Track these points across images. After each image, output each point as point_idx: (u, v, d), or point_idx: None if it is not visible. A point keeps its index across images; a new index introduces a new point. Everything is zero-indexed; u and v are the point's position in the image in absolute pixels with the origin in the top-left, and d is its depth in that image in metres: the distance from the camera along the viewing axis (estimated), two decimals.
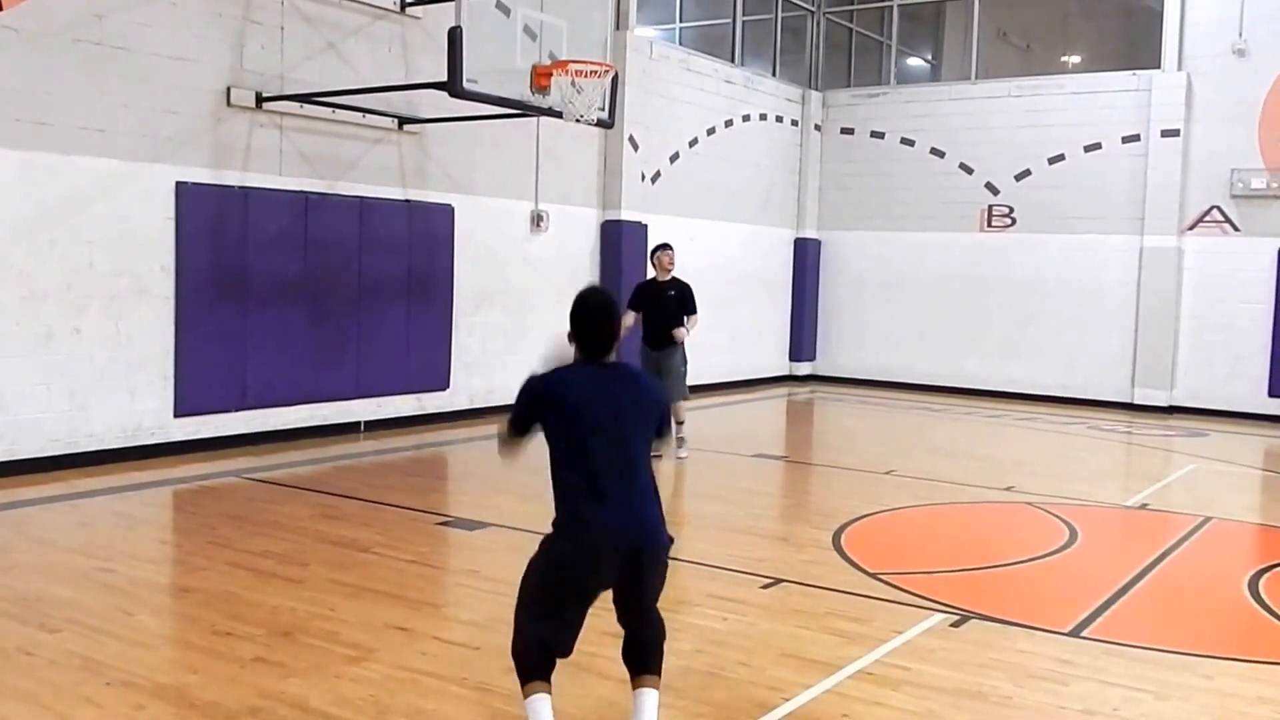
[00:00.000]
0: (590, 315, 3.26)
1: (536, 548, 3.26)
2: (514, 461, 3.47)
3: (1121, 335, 13.00)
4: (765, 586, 5.08)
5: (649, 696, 3.22)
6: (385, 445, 8.84)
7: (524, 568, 3.31)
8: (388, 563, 5.30)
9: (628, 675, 3.29)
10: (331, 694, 3.64)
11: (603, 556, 3.11)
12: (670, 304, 8.36)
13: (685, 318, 8.40)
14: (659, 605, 3.35)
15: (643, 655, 3.28)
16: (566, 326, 3.31)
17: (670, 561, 3.35)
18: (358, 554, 5.43)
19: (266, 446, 8.32)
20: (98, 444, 7.41)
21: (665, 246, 8.63)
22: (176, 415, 7.86)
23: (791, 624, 4.54)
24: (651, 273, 8.72)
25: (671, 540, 3.30)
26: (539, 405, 3.23)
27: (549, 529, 3.21)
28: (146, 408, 7.69)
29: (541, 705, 3.12)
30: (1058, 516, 6.78)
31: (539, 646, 3.19)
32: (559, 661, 3.23)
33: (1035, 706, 3.76)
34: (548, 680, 3.19)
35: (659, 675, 3.28)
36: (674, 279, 8.49)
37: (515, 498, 6.90)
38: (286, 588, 4.80)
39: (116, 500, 6.58)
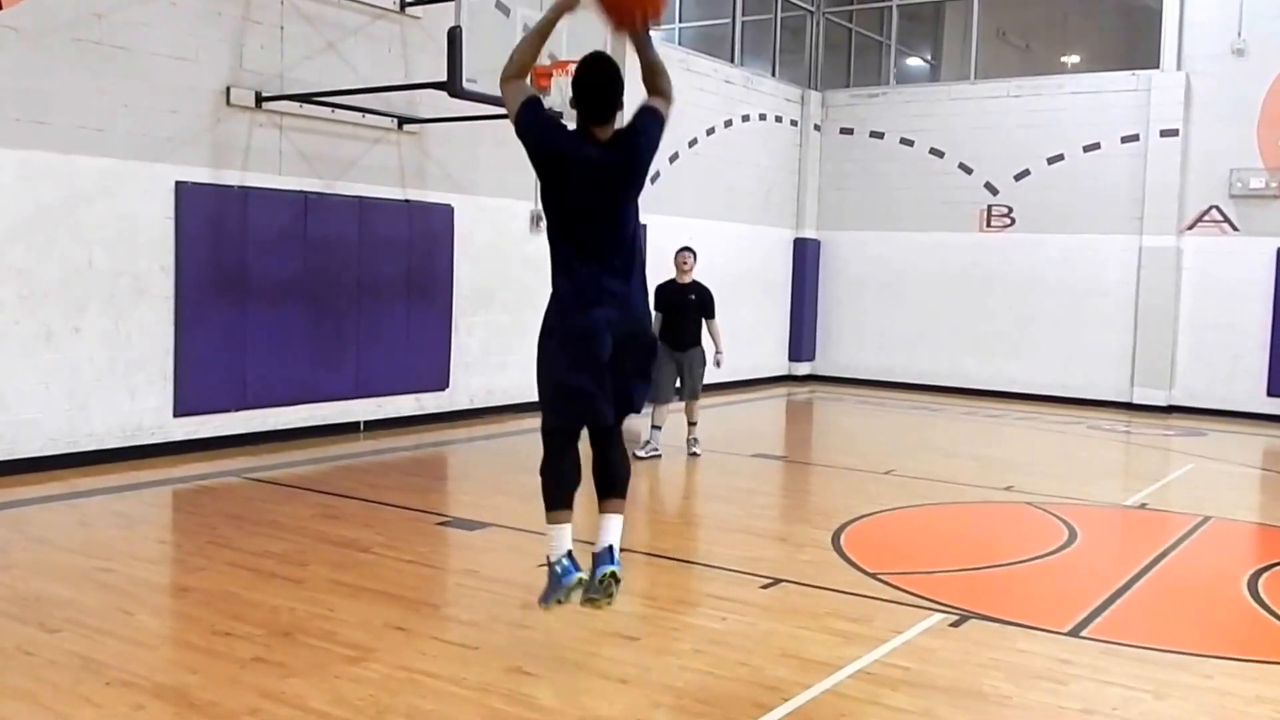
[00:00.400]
0: (591, 78, 3.49)
1: (540, 333, 3.62)
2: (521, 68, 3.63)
3: (1121, 335, 13.01)
4: (765, 586, 5.08)
5: (615, 520, 3.63)
6: (385, 445, 8.84)
7: (526, 566, 3.35)
8: (387, 563, 5.30)
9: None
10: (331, 694, 3.64)
11: (603, 332, 3.48)
12: (691, 307, 8.52)
13: (705, 322, 8.61)
14: (648, 611, 3.52)
15: (610, 481, 3.66)
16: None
17: (667, 560, 3.39)
18: (357, 554, 5.43)
19: (266, 446, 8.32)
20: (97, 443, 7.41)
21: (685, 249, 8.76)
22: (176, 415, 7.87)
23: (791, 624, 4.54)
24: (672, 274, 8.75)
25: (656, 343, 3.74)
26: (545, 131, 3.53)
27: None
28: (146, 407, 7.69)
29: (561, 532, 3.54)
30: (1057, 516, 6.79)
31: (559, 467, 3.56)
32: (560, 658, 3.26)
33: (1034, 706, 3.76)
34: (569, 506, 3.58)
35: (624, 500, 3.69)
36: (695, 282, 8.62)
37: (515, 498, 6.90)
38: (286, 588, 4.81)
39: (116, 500, 6.58)
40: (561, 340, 3.56)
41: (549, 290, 3.76)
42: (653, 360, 3.72)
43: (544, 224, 11.93)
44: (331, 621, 4.36)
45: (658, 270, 11.67)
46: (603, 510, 3.68)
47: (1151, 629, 4.71)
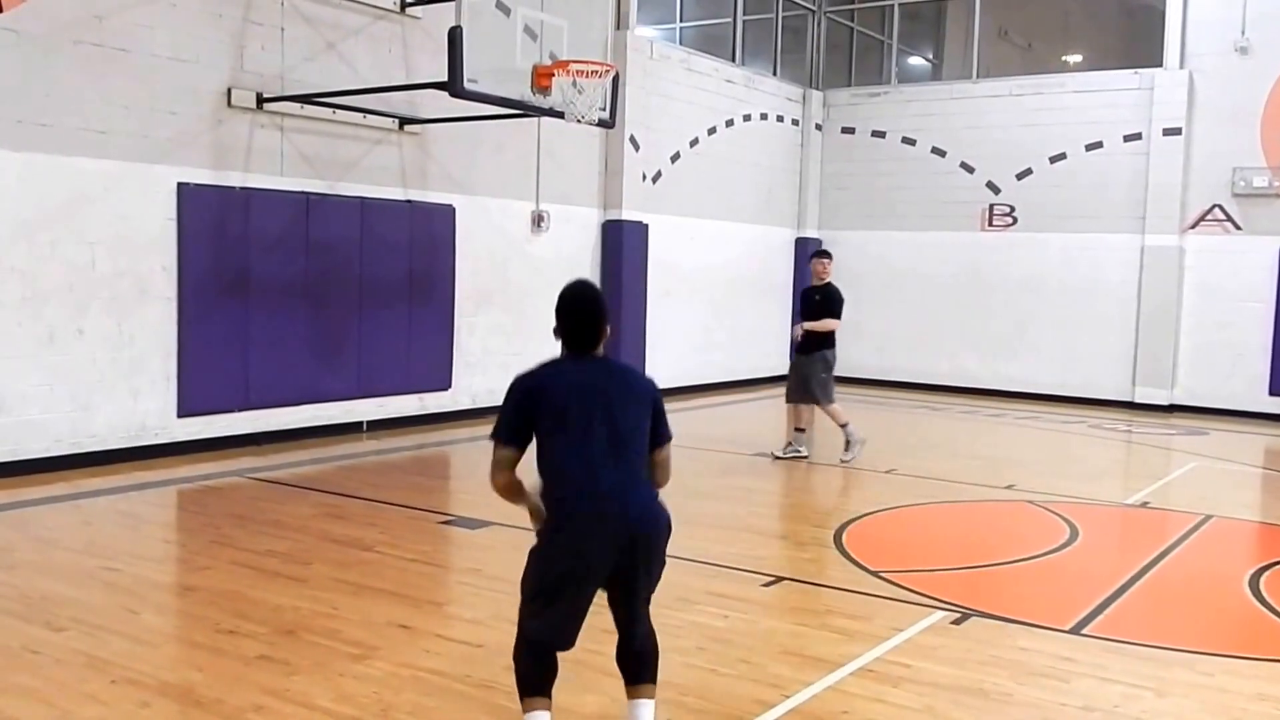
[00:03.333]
0: (576, 307, 3.17)
1: (534, 546, 3.21)
2: (509, 489, 3.17)
3: (1122, 334, 13.01)
4: (766, 584, 5.09)
5: (647, 707, 3.23)
6: (387, 445, 8.86)
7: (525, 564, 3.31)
8: (390, 561, 5.32)
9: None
10: (335, 692, 3.65)
11: (598, 540, 3.01)
12: (815, 308, 8.53)
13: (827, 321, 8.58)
14: (651, 613, 3.28)
15: (638, 665, 3.26)
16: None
17: (669, 559, 3.33)
18: (361, 553, 5.44)
19: (269, 446, 8.34)
20: (101, 444, 7.43)
21: (819, 254, 8.91)
22: (179, 415, 7.88)
23: (792, 621, 4.55)
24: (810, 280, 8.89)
25: (669, 523, 3.19)
26: (529, 398, 3.09)
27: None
28: (149, 408, 7.71)
29: None
30: (1058, 515, 6.79)
31: (539, 657, 3.14)
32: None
33: (1036, 703, 3.77)
34: (548, 695, 3.16)
35: (655, 684, 3.28)
36: (826, 284, 8.60)
37: None
38: (290, 586, 4.82)
39: (120, 500, 6.60)
40: (563, 559, 3.09)
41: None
42: (666, 542, 3.20)
43: (545, 224, 11.96)
44: (335, 620, 4.37)
45: (658, 270, 11.71)
46: (631, 696, 3.24)
47: (1153, 627, 4.72)
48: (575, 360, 3.17)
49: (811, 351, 8.54)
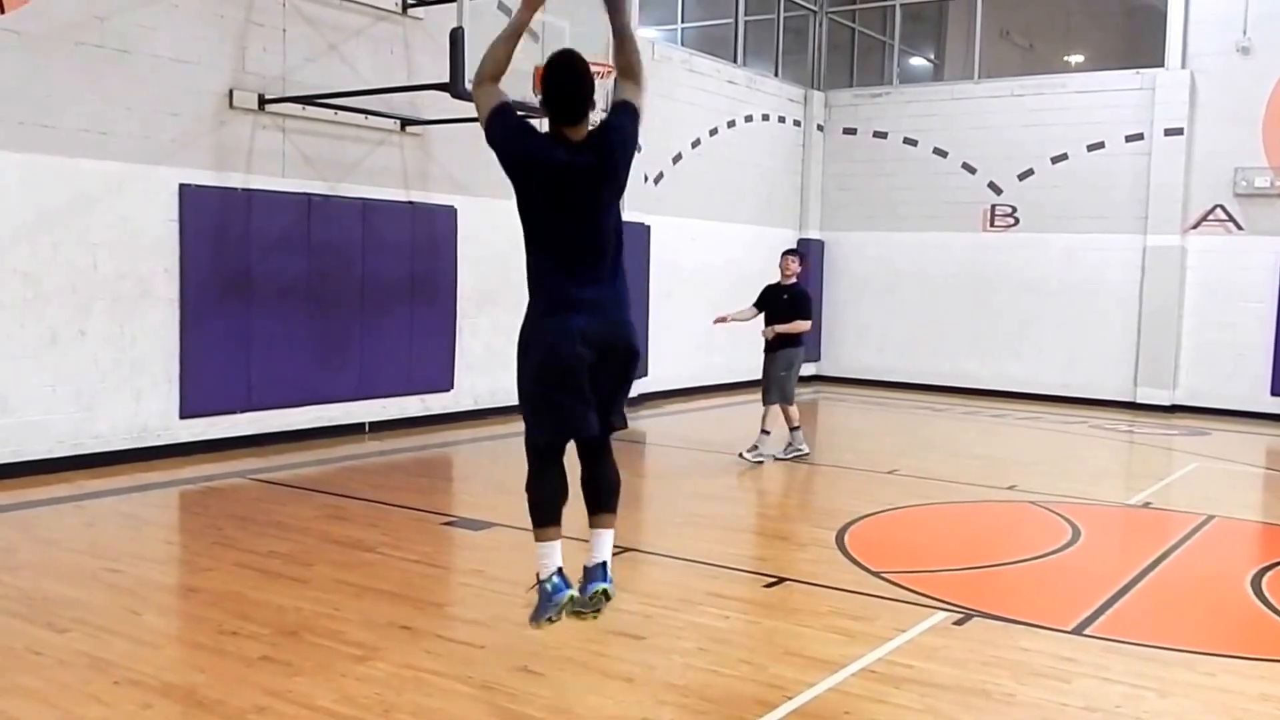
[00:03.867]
0: (560, 78, 3.29)
1: (516, 347, 3.50)
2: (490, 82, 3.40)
3: (1124, 334, 13.00)
4: (768, 585, 5.09)
5: (607, 535, 3.54)
6: (390, 446, 8.86)
7: (531, 565, 3.35)
8: (393, 562, 5.32)
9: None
10: (337, 693, 3.66)
11: (571, 343, 3.31)
12: (783, 308, 8.45)
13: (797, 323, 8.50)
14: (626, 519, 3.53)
15: (600, 495, 3.55)
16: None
17: (670, 559, 3.35)
18: (363, 554, 5.45)
19: (272, 447, 8.35)
20: (103, 445, 7.44)
21: (789, 252, 8.80)
22: (182, 416, 7.89)
23: (794, 622, 4.55)
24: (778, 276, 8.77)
25: (637, 348, 3.48)
26: (521, 135, 3.35)
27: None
28: (152, 409, 7.72)
29: (550, 549, 3.41)
30: (1060, 515, 6.79)
31: (545, 471, 3.44)
32: (563, 657, 3.24)
33: (1038, 704, 3.77)
34: (558, 523, 3.43)
35: (615, 514, 3.58)
36: (793, 284, 8.53)
37: (519, 497, 6.90)
38: (292, 587, 4.83)
39: (123, 501, 6.60)
40: (538, 353, 3.41)
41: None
42: (632, 370, 3.51)
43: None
44: (337, 621, 4.38)
45: (660, 271, 11.77)
46: (593, 525, 3.56)
47: (1155, 627, 4.72)
48: (560, 136, 3.33)
49: (776, 351, 8.49)
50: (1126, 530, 6.91)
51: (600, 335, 3.38)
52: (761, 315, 8.62)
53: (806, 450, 8.68)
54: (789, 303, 8.46)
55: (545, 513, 3.48)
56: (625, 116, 3.48)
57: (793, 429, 8.64)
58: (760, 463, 8.38)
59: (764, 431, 8.50)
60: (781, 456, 8.59)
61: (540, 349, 3.40)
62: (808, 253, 9.05)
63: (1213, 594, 5.30)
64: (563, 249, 3.41)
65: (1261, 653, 4.38)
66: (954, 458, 9.20)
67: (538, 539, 3.48)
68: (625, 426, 3.62)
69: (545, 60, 3.37)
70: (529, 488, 3.50)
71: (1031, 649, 4.29)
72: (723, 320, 8.87)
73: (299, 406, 8.68)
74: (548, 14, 9.03)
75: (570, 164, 3.32)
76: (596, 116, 3.54)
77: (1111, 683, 3.96)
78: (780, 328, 8.38)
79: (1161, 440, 10.77)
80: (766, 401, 8.62)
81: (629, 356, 3.47)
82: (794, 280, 8.54)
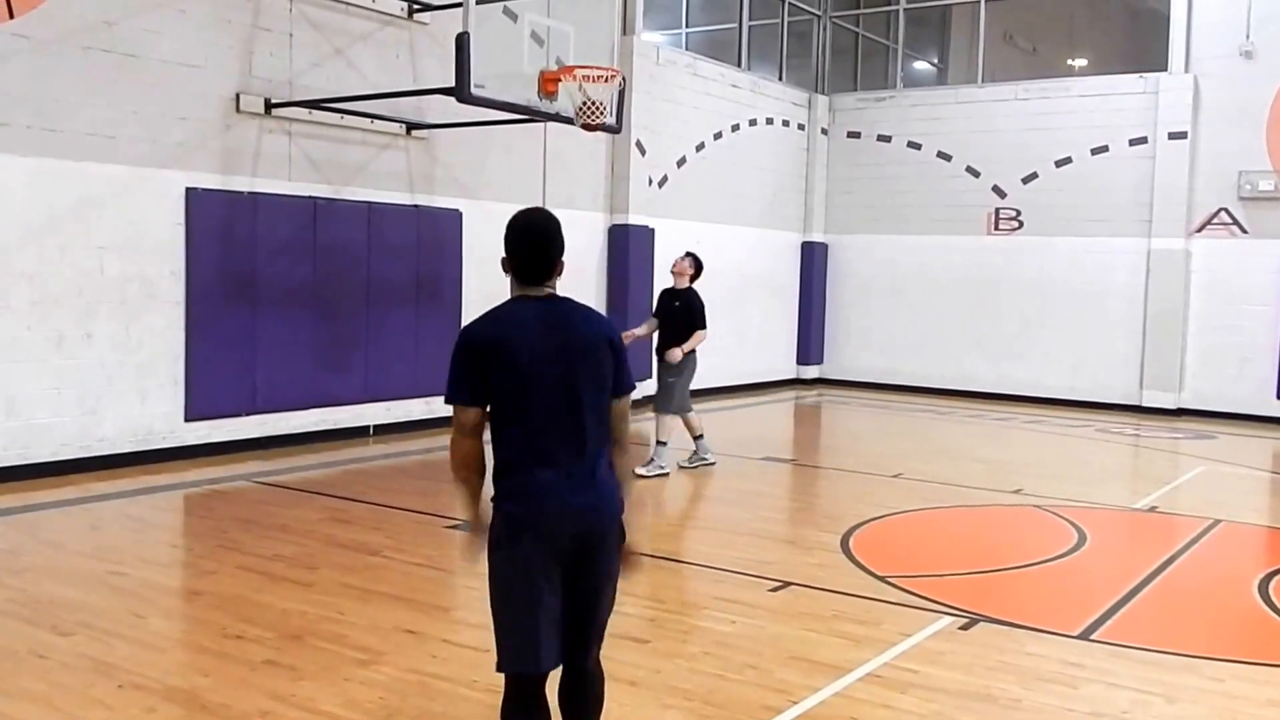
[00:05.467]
0: (528, 233, 2.78)
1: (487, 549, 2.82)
2: (469, 463, 2.77)
3: (1129, 337, 12.97)
4: (773, 589, 5.08)
5: None
6: (394, 449, 8.87)
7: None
8: (397, 566, 5.32)
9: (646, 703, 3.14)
10: (341, 696, 3.65)
11: (550, 530, 2.68)
12: (678, 314, 7.97)
13: (693, 331, 7.96)
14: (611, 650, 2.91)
15: (581, 706, 2.85)
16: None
17: (678, 564, 3.22)
18: (367, 557, 5.45)
19: (276, 450, 8.36)
20: (109, 448, 7.45)
21: (684, 255, 8.21)
22: (187, 419, 7.90)
23: (799, 627, 4.54)
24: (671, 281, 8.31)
25: (620, 526, 2.81)
26: (485, 357, 2.66)
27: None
28: (157, 412, 7.73)
29: None
30: (1066, 519, 6.77)
31: (520, 701, 2.75)
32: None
33: (1044, 709, 3.75)
34: None
35: None
36: (687, 289, 8.03)
37: None
38: (296, 591, 4.83)
39: (128, 504, 6.61)
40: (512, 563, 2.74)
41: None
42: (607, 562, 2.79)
43: None
44: (342, 624, 4.38)
45: (664, 275, 11.73)
46: None
47: (1162, 632, 4.70)
48: (529, 303, 2.75)
49: (663, 358, 7.95)
50: (1133, 534, 6.89)
51: (583, 518, 2.74)
52: (657, 323, 8.08)
53: (713, 461, 8.20)
54: (681, 309, 7.92)
55: None
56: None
57: (696, 438, 8.14)
58: (665, 474, 7.85)
59: (660, 442, 7.89)
60: (687, 465, 8.10)
61: (519, 555, 2.74)
62: (698, 255, 8.27)
63: (1220, 599, 5.28)
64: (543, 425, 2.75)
65: (1269, 658, 4.36)
66: (959, 461, 9.18)
67: None
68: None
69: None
70: (504, 716, 2.80)
71: (1038, 654, 4.27)
72: (630, 337, 7.81)
73: (304, 409, 8.69)
74: (554, 19, 9.06)
75: (543, 336, 2.74)
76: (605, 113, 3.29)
77: (1118, 688, 3.95)
78: (685, 347, 7.82)
79: (1167, 444, 10.74)
80: (660, 411, 7.97)
81: (611, 538, 2.81)
82: (686, 284, 7.99)
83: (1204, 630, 4.77)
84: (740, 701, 3.71)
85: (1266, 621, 4.92)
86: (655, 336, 8.20)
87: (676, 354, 7.88)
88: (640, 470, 7.67)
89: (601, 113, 7.75)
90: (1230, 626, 4.87)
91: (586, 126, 7.86)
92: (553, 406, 2.69)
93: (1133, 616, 4.86)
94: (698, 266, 8.13)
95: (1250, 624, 4.91)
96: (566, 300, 2.81)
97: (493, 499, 2.77)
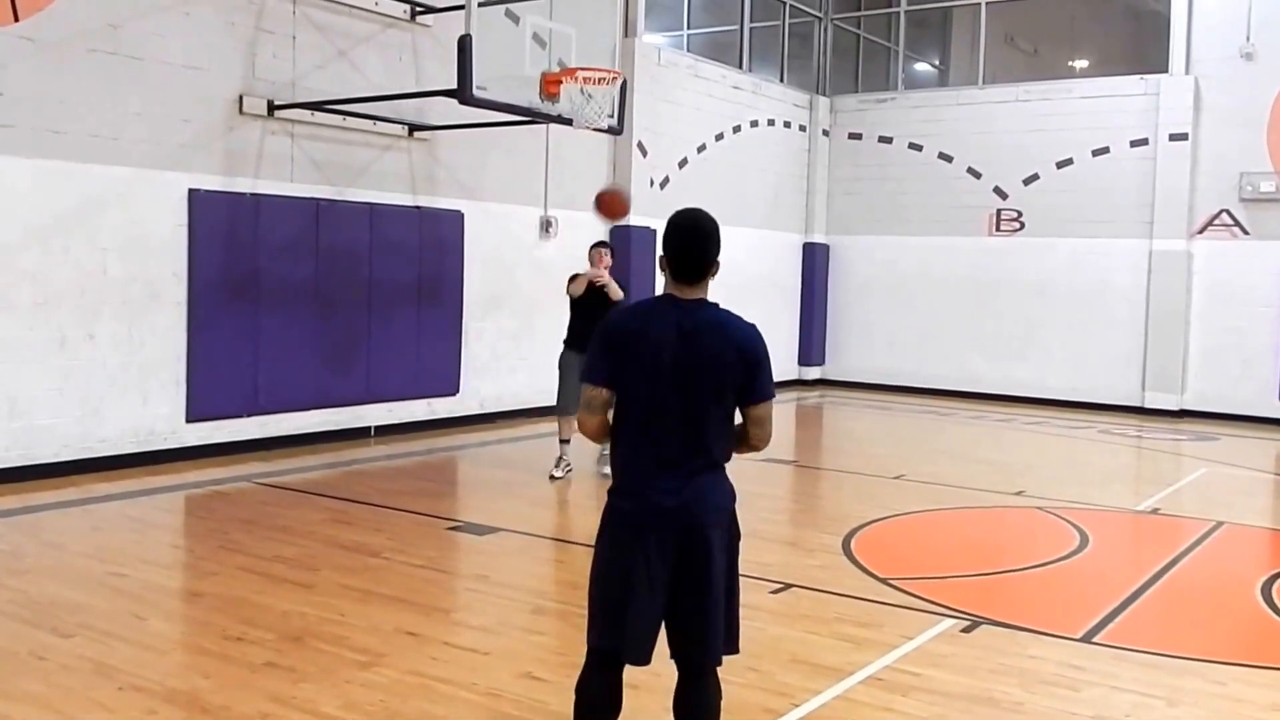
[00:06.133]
0: (681, 231, 2.82)
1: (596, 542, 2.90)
2: (600, 431, 2.86)
3: (1131, 339, 12.96)
4: (775, 591, 5.08)
5: None
6: (395, 450, 8.87)
7: (536, 571, 3.22)
8: (398, 568, 5.32)
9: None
10: (342, 699, 3.65)
11: (652, 526, 2.74)
12: (603, 306, 7.28)
13: None
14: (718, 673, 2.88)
15: (690, 714, 2.84)
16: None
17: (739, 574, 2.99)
18: (368, 559, 5.45)
19: (278, 451, 8.36)
20: (110, 449, 7.45)
21: (599, 244, 7.74)
22: (188, 420, 7.91)
23: (801, 629, 4.54)
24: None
25: (737, 529, 2.93)
26: (621, 345, 2.77)
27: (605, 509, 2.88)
28: (159, 412, 7.73)
29: None
30: (1068, 521, 6.76)
31: (598, 679, 2.82)
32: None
33: (1046, 712, 3.75)
34: None
35: None
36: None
37: (525, 502, 6.92)
38: (297, 593, 4.83)
39: (129, 505, 6.61)
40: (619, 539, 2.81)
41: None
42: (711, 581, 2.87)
43: (553, 230, 11.53)
44: (342, 626, 4.37)
45: (661, 278, 11.66)
46: None
47: (1164, 635, 4.69)
48: (674, 304, 2.82)
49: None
50: (1135, 536, 6.88)
51: (687, 517, 2.82)
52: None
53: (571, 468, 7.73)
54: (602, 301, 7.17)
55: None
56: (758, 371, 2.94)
57: (561, 440, 7.66)
58: (570, 471, 7.61)
59: (563, 440, 7.63)
60: (558, 476, 7.58)
61: (619, 546, 2.82)
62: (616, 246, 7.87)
63: (1223, 601, 5.27)
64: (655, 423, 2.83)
65: (1273, 661, 4.36)
66: (961, 463, 9.17)
67: None
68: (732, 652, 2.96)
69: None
70: (577, 687, 2.88)
71: (1040, 657, 4.27)
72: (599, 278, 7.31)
73: (305, 410, 8.69)
74: (556, 21, 9.06)
75: (675, 337, 2.81)
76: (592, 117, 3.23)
77: (1121, 691, 3.94)
78: None
79: (1170, 445, 10.72)
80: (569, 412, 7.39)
81: (716, 538, 2.89)
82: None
83: (1207, 633, 4.77)
84: (741, 704, 3.71)
85: (1269, 624, 4.91)
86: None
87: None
88: (555, 473, 7.56)
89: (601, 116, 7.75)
90: (1233, 629, 4.86)
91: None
92: (669, 410, 2.77)
93: (1135, 619, 4.85)
94: (614, 254, 7.83)
95: (1253, 626, 4.90)
96: (713, 307, 2.89)
97: (609, 490, 2.90)
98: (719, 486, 2.90)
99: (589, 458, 7.85)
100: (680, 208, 2.94)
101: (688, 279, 2.85)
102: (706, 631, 2.84)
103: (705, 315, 2.86)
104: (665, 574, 2.78)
